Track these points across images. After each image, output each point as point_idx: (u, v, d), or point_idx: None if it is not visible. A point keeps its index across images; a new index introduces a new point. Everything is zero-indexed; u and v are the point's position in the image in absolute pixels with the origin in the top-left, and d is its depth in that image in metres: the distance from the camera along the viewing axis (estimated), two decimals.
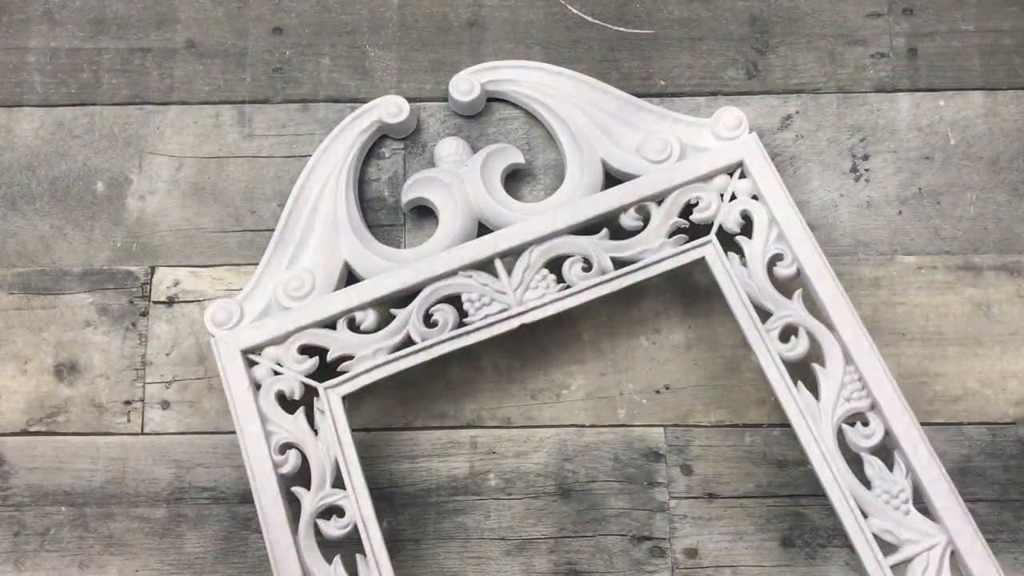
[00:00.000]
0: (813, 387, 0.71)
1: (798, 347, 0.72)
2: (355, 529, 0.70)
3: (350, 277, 0.78)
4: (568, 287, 0.74)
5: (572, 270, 0.74)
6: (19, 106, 0.84)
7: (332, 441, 0.71)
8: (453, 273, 0.75)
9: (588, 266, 0.75)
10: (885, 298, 0.80)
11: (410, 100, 0.83)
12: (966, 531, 0.67)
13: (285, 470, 0.71)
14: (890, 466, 0.70)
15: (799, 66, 0.85)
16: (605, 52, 0.85)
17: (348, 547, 0.70)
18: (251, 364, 0.74)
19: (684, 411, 0.78)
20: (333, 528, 0.70)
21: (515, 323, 0.73)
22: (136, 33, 0.86)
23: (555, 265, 0.75)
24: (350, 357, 0.73)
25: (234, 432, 0.78)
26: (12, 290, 0.81)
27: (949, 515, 0.68)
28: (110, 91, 0.85)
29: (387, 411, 0.79)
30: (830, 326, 0.72)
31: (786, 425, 0.77)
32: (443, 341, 0.73)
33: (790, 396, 0.71)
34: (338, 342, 0.74)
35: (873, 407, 0.71)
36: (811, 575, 0.75)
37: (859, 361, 0.71)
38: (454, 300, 0.75)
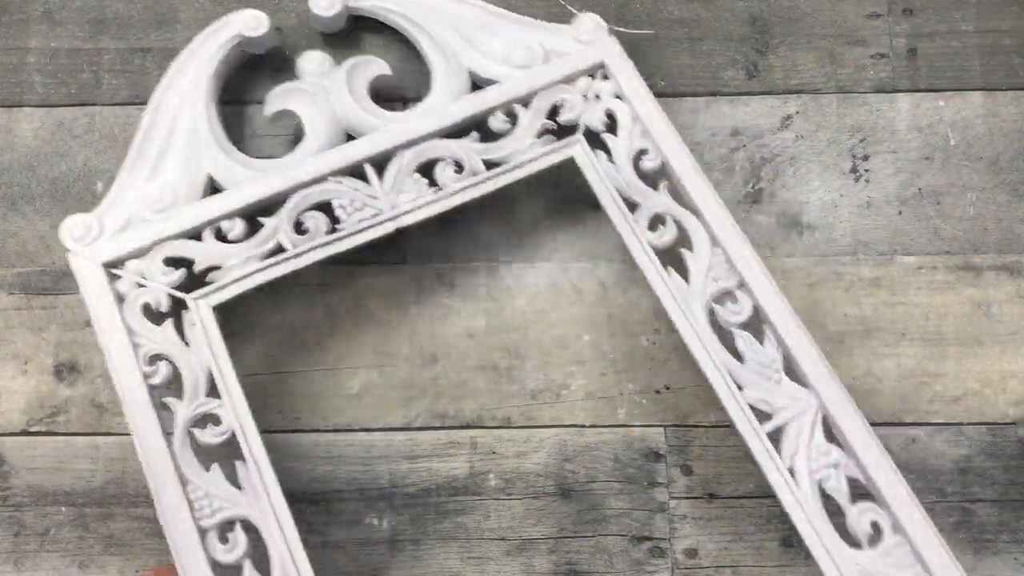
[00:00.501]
0: (684, 272, 0.73)
1: (666, 235, 0.73)
2: (233, 437, 0.69)
3: (215, 192, 0.77)
4: (440, 190, 0.75)
5: (444, 173, 0.75)
6: (19, 106, 0.84)
7: (204, 351, 0.70)
8: (323, 179, 0.74)
9: (460, 168, 0.75)
10: (885, 298, 0.80)
11: (409, 100, 0.83)
12: (835, 395, 0.69)
13: (156, 381, 0.70)
14: (761, 340, 0.71)
15: (799, 66, 0.85)
16: None
17: (227, 456, 0.70)
18: (113, 279, 0.73)
19: (684, 411, 0.78)
20: (209, 436, 0.69)
21: (390, 227, 0.74)
22: (136, 33, 0.86)
23: (427, 170, 0.76)
24: (218, 267, 0.73)
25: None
26: (12, 290, 0.81)
27: (818, 380, 0.69)
28: (110, 91, 0.85)
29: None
30: (695, 212, 0.74)
31: None
32: (315, 248, 0.73)
33: (661, 282, 0.72)
34: (205, 253, 0.73)
35: (741, 285, 0.72)
36: (811, 575, 0.75)
37: (725, 243, 0.72)
38: (325, 208, 0.74)
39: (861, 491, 0.68)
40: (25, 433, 0.78)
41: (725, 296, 0.73)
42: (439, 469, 0.78)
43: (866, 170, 0.82)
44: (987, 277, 0.80)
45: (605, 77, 0.78)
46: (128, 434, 0.78)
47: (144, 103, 0.84)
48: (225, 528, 0.67)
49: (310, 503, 0.77)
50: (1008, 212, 0.81)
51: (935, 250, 0.81)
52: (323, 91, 0.78)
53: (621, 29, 0.85)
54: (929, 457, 0.77)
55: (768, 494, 0.77)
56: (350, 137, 0.79)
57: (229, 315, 0.75)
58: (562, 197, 0.82)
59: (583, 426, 0.78)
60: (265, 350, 0.79)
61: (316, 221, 0.73)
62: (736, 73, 0.84)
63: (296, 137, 0.81)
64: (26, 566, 0.76)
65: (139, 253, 0.73)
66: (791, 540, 0.76)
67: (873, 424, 0.77)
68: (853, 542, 0.67)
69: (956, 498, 0.76)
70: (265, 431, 0.78)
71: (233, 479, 0.68)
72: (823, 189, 0.82)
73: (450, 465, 0.78)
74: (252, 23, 0.80)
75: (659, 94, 0.84)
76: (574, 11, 0.84)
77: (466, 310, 0.80)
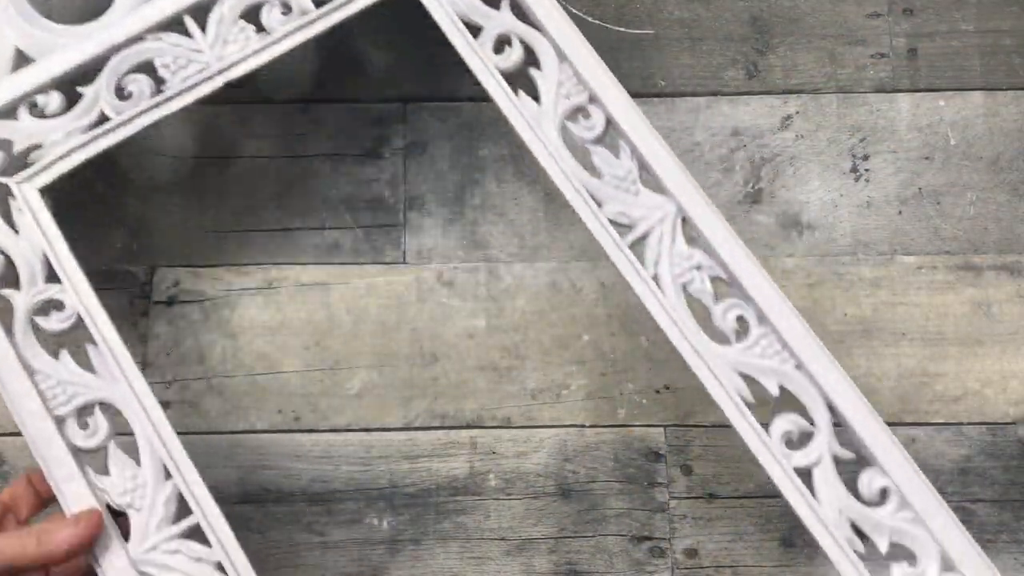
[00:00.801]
0: (534, 94, 0.70)
1: (512, 55, 0.70)
2: (79, 320, 0.66)
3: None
4: (269, 35, 0.70)
5: (272, 16, 0.70)
6: None
7: (36, 237, 0.66)
8: (140, 38, 0.69)
9: (287, 9, 0.70)
10: (885, 298, 0.80)
11: (410, 100, 0.83)
12: (693, 198, 0.67)
13: None
14: (616, 154, 0.69)
15: (799, 66, 0.85)
16: (605, 52, 0.85)
17: (74, 342, 0.67)
18: None
19: (684, 411, 0.78)
20: (55, 322, 0.65)
21: (218, 82, 0.69)
22: None
23: (252, 16, 0.71)
24: (39, 146, 0.68)
25: (233, 432, 0.78)
26: None
27: (674, 184, 0.67)
28: None
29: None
30: (540, 28, 0.71)
31: None
32: (142, 112, 0.68)
33: (511, 105, 0.69)
34: (22, 131, 0.68)
35: (592, 100, 0.69)
36: (811, 575, 0.75)
37: (572, 57, 0.69)
38: (147, 69, 0.70)
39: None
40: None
41: (577, 112, 0.69)
42: (439, 469, 0.77)
43: (866, 170, 0.82)
44: (987, 277, 0.80)
45: None
46: (128, 433, 0.78)
47: None
48: (84, 413, 0.65)
49: (310, 503, 0.77)
50: (1008, 212, 0.81)
51: (935, 250, 0.81)
52: None
53: (621, 29, 0.85)
54: (929, 457, 0.77)
55: (769, 494, 0.77)
56: None
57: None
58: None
59: (583, 426, 0.78)
60: (265, 350, 0.79)
61: (139, 84, 0.68)
62: (736, 73, 0.84)
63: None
64: None
65: None
66: (791, 540, 0.76)
67: None
68: (722, 339, 0.66)
69: (956, 498, 0.76)
70: (265, 431, 0.78)
71: (86, 365, 0.65)
72: (823, 189, 0.82)
73: (450, 465, 0.78)
74: None
75: (659, 94, 0.84)
76: (574, 11, 0.84)
77: (466, 310, 0.80)
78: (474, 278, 0.81)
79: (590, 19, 0.85)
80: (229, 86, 0.69)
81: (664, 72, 0.85)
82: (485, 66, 0.70)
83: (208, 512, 0.63)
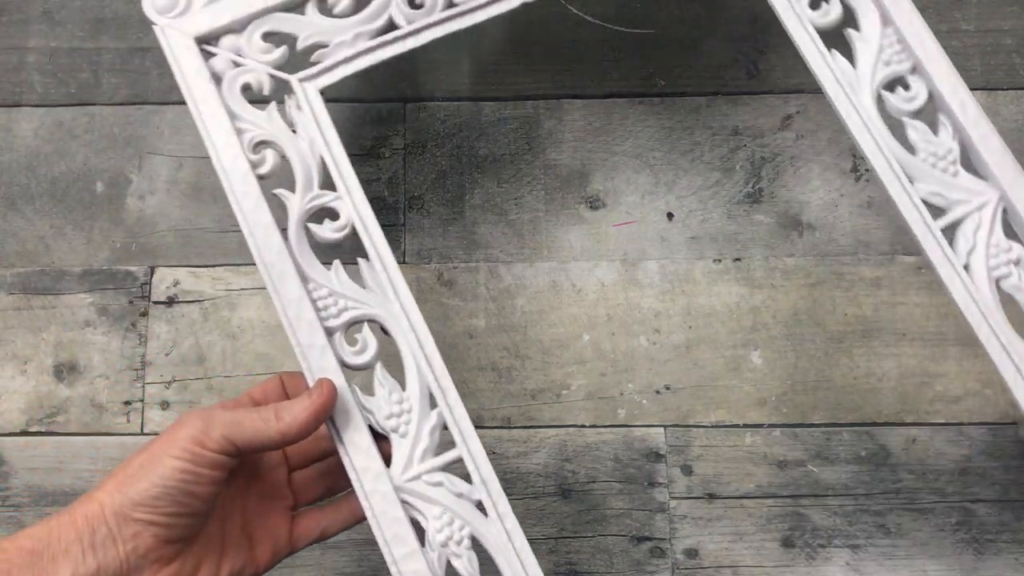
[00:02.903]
0: (850, 56, 0.66)
1: (831, 12, 0.66)
2: (353, 232, 0.63)
3: None
4: None
5: None
6: (19, 106, 0.84)
7: (315, 138, 0.64)
8: None
9: None
10: (886, 298, 0.80)
11: (409, 100, 0.83)
12: (1020, 185, 0.63)
13: (263, 170, 0.63)
14: (935, 130, 0.65)
15: (799, 66, 0.84)
16: (605, 52, 0.85)
17: (347, 253, 0.64)
18: (208, 56, 0.64)
19: (684, 411, 0.78)
20: (328, 231, 0.62)
21: (514, 1, 0.66)
22: (136, 33, 0.86)
23: None
24: (324, 45, 0.65)
25: None
26: (11, 290, 0.81)
27: (1001, 170, 0.63)
28: (110, 91, 0.85)
29: None
30: None
31: (787, 425, 0.78)
32: (433, 24, 0.65)
33: (825, 65, 0.65)
34: (309, 28, 0.65)
35: (915, 69, 0.65)
36: (811, 575, 0.75)
37: (898, 21, 0.65)
38: None
39: None
40: (24, 433, 0.78)
41: (896, 82, 0.65)
42: None
43: (866, 169, 0.82)
44: None
45: None
46: (128, 434, 0.78)
47: (144, 103, 0.84)
48: (353, 329, 0.62)
49: None
50: None
51: None
52: None
53: (621, 28, 0.85)
54: (929, 457, 0.77)
55: (769, 494, 0.77)
56: None
57: None
58: (562, 197, 0.82)
59: (583, 426, 0.78)
60: (265, 350, 0.79)
61: None
62: (736, 73, 0.84)
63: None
64: None
65: (235, 27, 0.64)
66: (792, 540, 0.76)
67: (873, 424, 0.77)
68: None
69: (957, 498, 0.76)
70: None
71: (356, 278, 0.62)
72: (823, 189, 0.82)
73: (450, 465, 0.77)
74: None
75: (659, 94, 0.84)
76: (574, 11, 0.84)
77: (466, 310, 0.80)
78: (474, 278, 0.81)
79: (590, 19, 0.85)
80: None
81: (664, 72, 0.85)
82: (799, 20, 0.65)
83: (472, 448, 0.60)
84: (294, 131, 0.64)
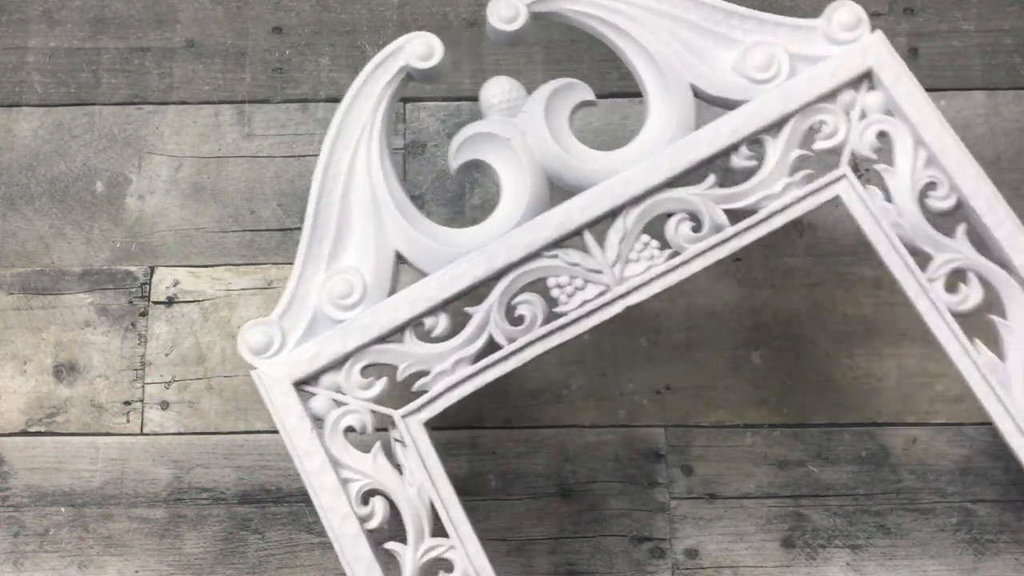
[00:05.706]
0: (994, 345, 0.59)
1: (971, 296, 0.59)
2: None
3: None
4: (676, 254, 0.61)
5: (679, 232, 0.61)
6: (19, 106, 0.84)
7: (423, 479, 0.60)
8: (535, 255, 0.61)
9: (697, 224, 0.61)
10: (886, 298, 0.80)
11: (409, 100, 0.83)
12: None
13: (373, 524, 0.60)
14: None
15: None
16: (605, 52, 0.85)
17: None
18: (306, 397, 0.61)
19: (684, 411, 0.78)
20: None
21: (618, 307, 0.61)
22: (136, 33, 0.86)
23: (654, 227, 0.62)
24: (425, 373, 0.61)
25: (232, 432, 0.78)
26: (11, 290, 0.81)
27: None
28: (109, 91, 0.85)
29: None
30: (1006, 266, 0.59)
31: (787, 425, 0.77)
32: (535, 341, 0.61)
33: (968, 359, 0.58)
34: (409, 357, 0.61)
35: None
36: (811, 575, 0.75)
37: None
38: (538, 287, 0.63)
39: None
40: (24, 433, 0.78)
41: None
42: None
43: (867, 169, 0.82)
44: None
45: (870, 87, 0.62)
46: (128, 434, 0.78)
47: (144, 103, 0.84)
48: None
49: (310, 503, 0.76)
50: None
51: None
52: (517, 131, 0.64)
53: None
54: (930, 457, 0.77)
55: (769, 495, 0.77)
56: (551, 190, 0.64)
57: None
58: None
59: (583, 426, 0.78)
60: None
61: (532, 307, 0.61)
62: None
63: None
64: (25, 566, 0.76)
65: (334, 365, 0.61)
66: (792, 541, 0.76)
67: (874, 424, 0.77)
68: None
69: (957, 498, 0.76)
70: (265, 431, 0.78)
71: None
72: None
73: (450, 465, 0.77)
74: (422, 50, 0.64)
75: None
76: None
77: None
78: None
79: None
80: None
81: None
82: (933, 306, 0.59)
83: None
84: (399, 471, 0.61)
